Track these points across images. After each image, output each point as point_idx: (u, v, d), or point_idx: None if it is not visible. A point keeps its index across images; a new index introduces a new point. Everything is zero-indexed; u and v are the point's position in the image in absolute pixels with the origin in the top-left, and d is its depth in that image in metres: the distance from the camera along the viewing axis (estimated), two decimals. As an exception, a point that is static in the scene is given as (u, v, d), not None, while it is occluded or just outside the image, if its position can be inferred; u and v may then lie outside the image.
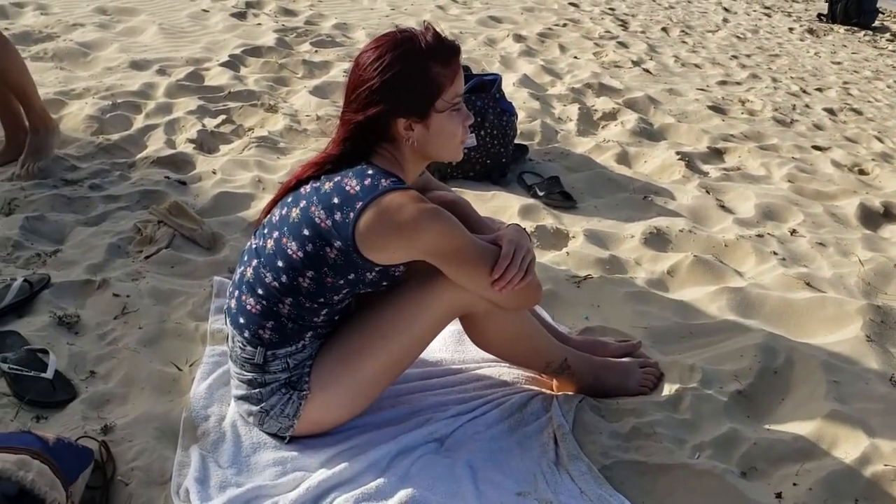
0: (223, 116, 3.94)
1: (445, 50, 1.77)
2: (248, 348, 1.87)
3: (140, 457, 1.85)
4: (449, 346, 2.33)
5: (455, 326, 2.32)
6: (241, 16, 5.78)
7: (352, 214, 1.72)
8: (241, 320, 1.87)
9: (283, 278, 1.81)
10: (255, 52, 4.94)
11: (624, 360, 2.25)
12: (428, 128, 1.79)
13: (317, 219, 1.76)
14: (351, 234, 1.73)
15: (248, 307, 1.86)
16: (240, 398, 1.94)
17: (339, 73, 4.70)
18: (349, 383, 1.89)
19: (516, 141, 3.72)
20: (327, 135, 3.92)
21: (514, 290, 1.82)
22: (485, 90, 3.61)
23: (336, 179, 1.78)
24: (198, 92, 4.21)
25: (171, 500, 1.75)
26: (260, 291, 1.84)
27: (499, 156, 3.55)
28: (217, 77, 4.45)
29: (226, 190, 3.20)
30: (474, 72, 4.12)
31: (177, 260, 2.69)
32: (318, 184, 1.81)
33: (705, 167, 4.00)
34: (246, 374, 1.90)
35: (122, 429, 1.94)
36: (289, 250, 1.79)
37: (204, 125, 3.81)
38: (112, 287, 2.47)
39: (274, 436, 1.93)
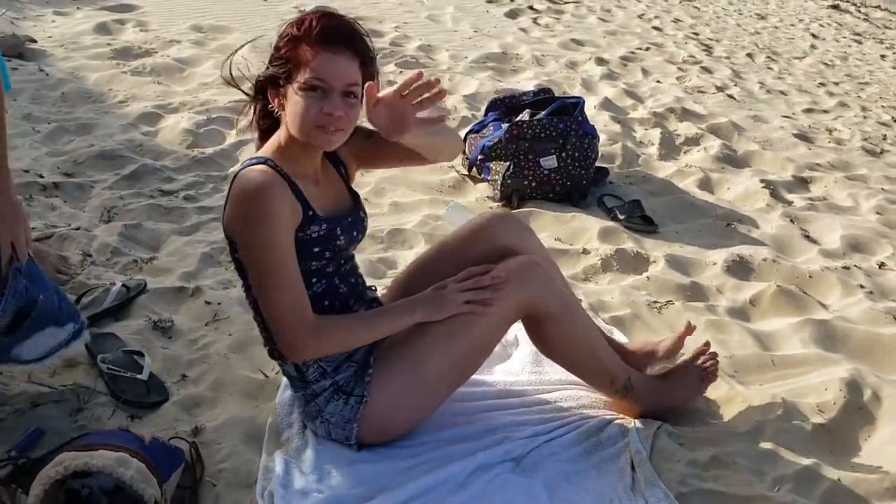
0: (310, 133, 4.06)
1: (309, 32, 1.74)
2: (284, 367, 1.95)
3: (228, 459, 1.93)
4: (526, 367, 2.35)
5: (532, 347, 2.35)
6: (328, 35, 5.93)
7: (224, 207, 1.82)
8: (263, 342, 1.96)
9: (248, 293, 1.90)
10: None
11: (679, 366, 2.22)
12: (286, 100, 1.78)
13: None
14: (225, 227, 1.82)
15: (258, 328, 1.95)
16: (305, 415, 2.00)
17: (422, 92, 4.79)
18: (411, 383, 1.92)
19: (597, 164, 3.73)
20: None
21: None
22: (567, 113, 3.64)
23: None
24: (286, 108, 4.34)
25: (255, 503, 1.81)
26: (252, 311, 1.93)
27: (579, 178, 3.57)
28: (305, 94, 4.58)
29: (312, 204, 3.29)
30: (556, 94, 4.16)
31: (265, 271, 2.78)
32: None
33: (790, 196, 3.93)
34: (298, 390, 1.96)
35: (211, 431, 2.02)
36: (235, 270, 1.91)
37: (292, 141, 3.93)
38: (204, 294, 2.57)
39: (346, 444, 1.97)
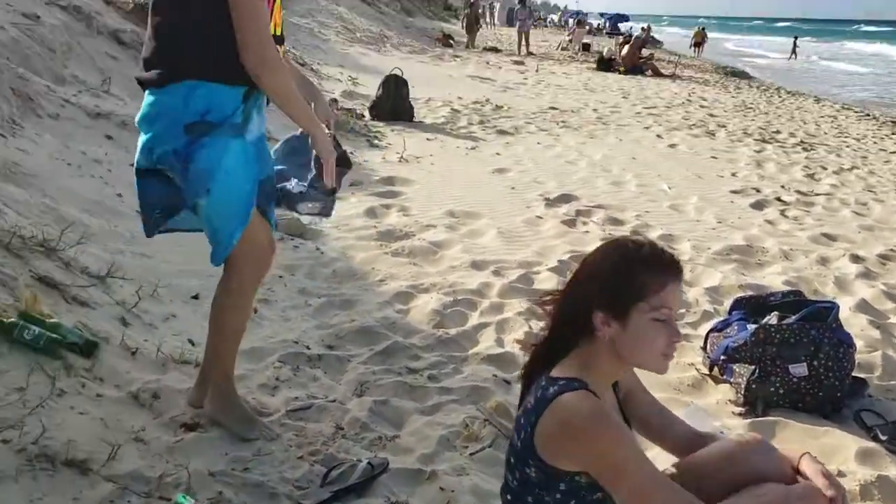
0: (549, 320, 4.17)
1: (659, 262, 1.82)
2: None
3: None
4: None
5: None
6: (571, 223, 6.17)
7: (529, 428, 1.80)
8: None
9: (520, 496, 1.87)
10: (581, 257, 5.20)
11: None
12: (625, 328, 1.80)
13: (518, 443, 1.85)
14: (531, 444, 1.78)
15: None
16: None
17: (662, 284, 4.78)
18: None
19: (854, 374, 3.48)
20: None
21: None
22: (820, 319, 3.47)
23: (536, 395, 1.84)
24: (527, 294, 4.52)
25: None
26: None
27: (833, 389, 3.34)
28: (545, 281, 4.75)
29: (548, 395, 3.34)
30: (806, 294, 3.99)
31: (498, 461, 2.82)
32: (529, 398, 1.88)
33: None
34: None
35: None
36: (514, 483, 1.88)
37: (531, 327, 4.06)
38: (440, 480, 2.66)
39: None
